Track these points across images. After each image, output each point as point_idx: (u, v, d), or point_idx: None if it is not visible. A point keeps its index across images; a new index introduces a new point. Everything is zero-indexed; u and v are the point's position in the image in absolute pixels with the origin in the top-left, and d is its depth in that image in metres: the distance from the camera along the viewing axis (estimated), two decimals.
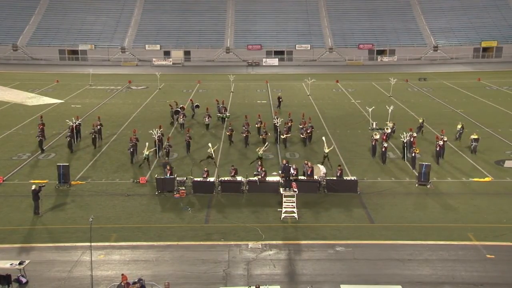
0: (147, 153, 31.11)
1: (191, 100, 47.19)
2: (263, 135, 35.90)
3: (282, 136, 35.97)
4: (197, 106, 44.57)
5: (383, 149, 32.39)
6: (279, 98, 49.37)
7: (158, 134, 33.99)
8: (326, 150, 31.14)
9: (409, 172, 30.88)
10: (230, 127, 36.94)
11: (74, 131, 36.29)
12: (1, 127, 40.88)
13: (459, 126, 37.36)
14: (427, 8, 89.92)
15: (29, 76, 69.05)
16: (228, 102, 49.45)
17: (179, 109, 42.38)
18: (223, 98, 47.96)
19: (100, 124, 37.71)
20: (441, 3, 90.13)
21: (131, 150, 32.60)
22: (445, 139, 33.30)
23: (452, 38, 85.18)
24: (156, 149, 33.27)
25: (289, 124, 37.44)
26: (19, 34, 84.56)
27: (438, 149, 32.58)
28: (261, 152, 31.29)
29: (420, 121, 39.03)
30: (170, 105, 44.23)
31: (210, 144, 31.47)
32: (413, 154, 31.51)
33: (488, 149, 34.84)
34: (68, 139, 35.04)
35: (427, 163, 29.01)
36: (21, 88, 59.10)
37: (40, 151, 34.65)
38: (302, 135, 36.42)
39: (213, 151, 31.30)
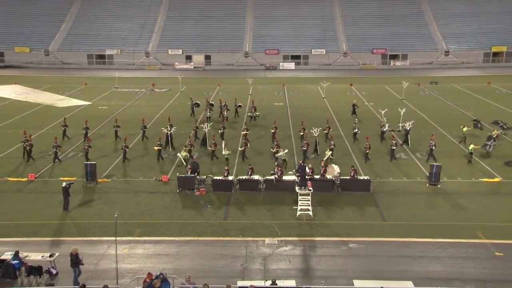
0: (183, 154, 32.53)
1: (235, 99, 48.38)
2: (241, 146, 33.96)
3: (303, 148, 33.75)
4: (241, 106, 47.03)
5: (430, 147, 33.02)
6: (354, 105, 46.35)
7: (168, 127, 35.90)
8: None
9: (420, 172, 31.28)
10: (244, 140, 35.03)
11: (168, 138, 35.86)
12: (34, 127, 42.15)
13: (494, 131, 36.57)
14: (439, 14, 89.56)
15: (60, 80, 70.77)
16: (246, 104, 50.12)
17: (198, 102, 46.80)
18: (243, 100, 49.00)
19: (144, 126, 38.94)
20: (452, 9, 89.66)
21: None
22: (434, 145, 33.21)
23: (463, 43, 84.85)
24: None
25: (327, 131, 36.68)
26: (51, 40, 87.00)
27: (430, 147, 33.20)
28: (228, 153, 32.53)
29: (496, 132, 37.03)
30: (190, 98, 48.06)
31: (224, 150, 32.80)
32: (392, 147, 33.22)
33: (497, 151, 35.00)
34: (159, 148, 33.56)
35: (438, 164, 29.40)
36: (52, 91, 60.83)
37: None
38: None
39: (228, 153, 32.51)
